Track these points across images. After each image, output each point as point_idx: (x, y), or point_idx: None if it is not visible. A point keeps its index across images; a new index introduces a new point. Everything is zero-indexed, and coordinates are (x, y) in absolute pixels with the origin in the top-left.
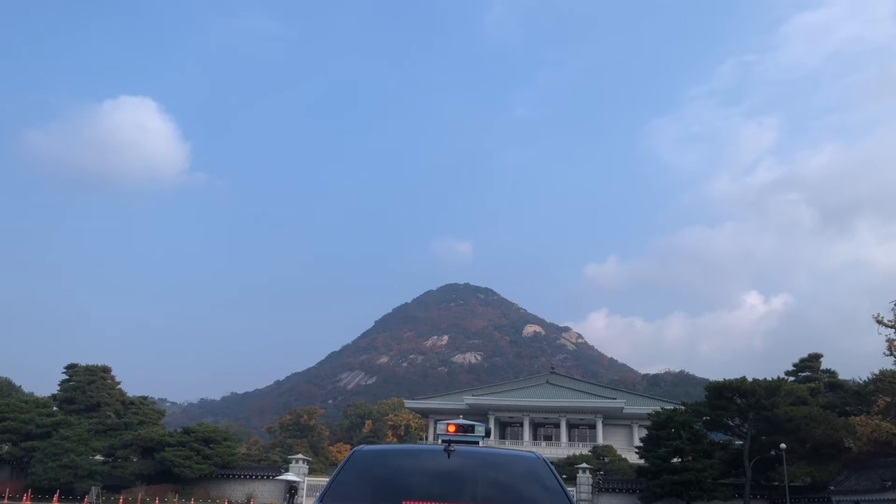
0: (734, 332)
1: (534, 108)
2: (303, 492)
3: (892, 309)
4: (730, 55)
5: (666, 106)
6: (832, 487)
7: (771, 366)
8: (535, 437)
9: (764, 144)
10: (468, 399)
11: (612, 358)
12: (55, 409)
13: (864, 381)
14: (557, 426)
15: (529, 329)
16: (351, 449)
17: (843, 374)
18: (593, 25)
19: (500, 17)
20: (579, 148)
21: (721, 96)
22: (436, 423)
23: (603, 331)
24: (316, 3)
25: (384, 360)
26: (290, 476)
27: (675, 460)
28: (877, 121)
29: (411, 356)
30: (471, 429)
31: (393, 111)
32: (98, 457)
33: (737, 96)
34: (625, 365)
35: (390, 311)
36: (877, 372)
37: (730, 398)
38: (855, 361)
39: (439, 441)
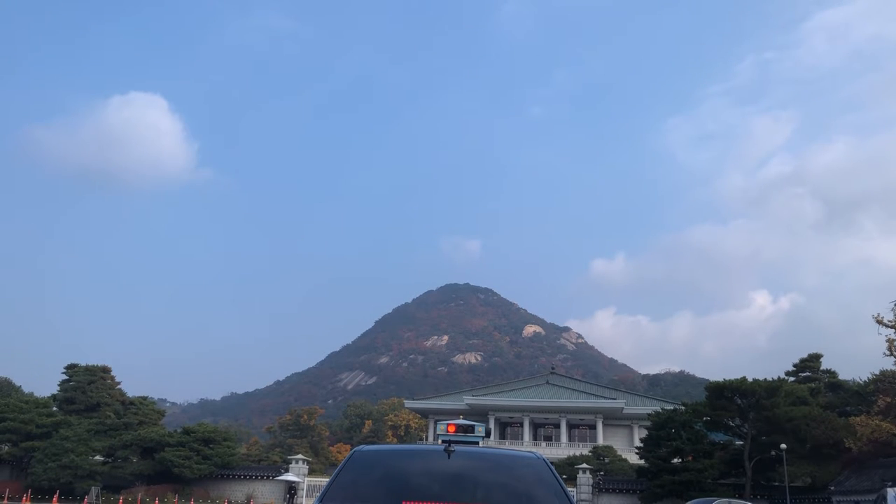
0: (738, 332)
1: (548, 105)
2: (303, 492)
3: (893, 309)
4: (750, 52)
5: (682, 104)
6: (832, 487)
7: (775, 365)
8: (535, 438)
9: (778, 143)
10: (468, 399)
11: (612, 358)
12: (55, 409)
13: (864, 381)
14: (557, 426)
15: (529, 329)
16: (351, 449)
17: (844, 374)
18: (611, 22)
19: (515, 14)
20: (592, 146)
21: (738, 94)
22: (436, 423)
23: (609, 329)
24: (330, 1)
25: (384, 360)
26: (289, 476)
27: (675, 460)
28: (891, 119)
29: (411, 356)
30: (471, 429)
31: (405, 109)
32: (98, 457)
33: (754, 94)
34: (625, 365)
35: (390, 311)
36: (877, 372)
37: (730, 398)
38: (856, 361)
39: (439, 441)
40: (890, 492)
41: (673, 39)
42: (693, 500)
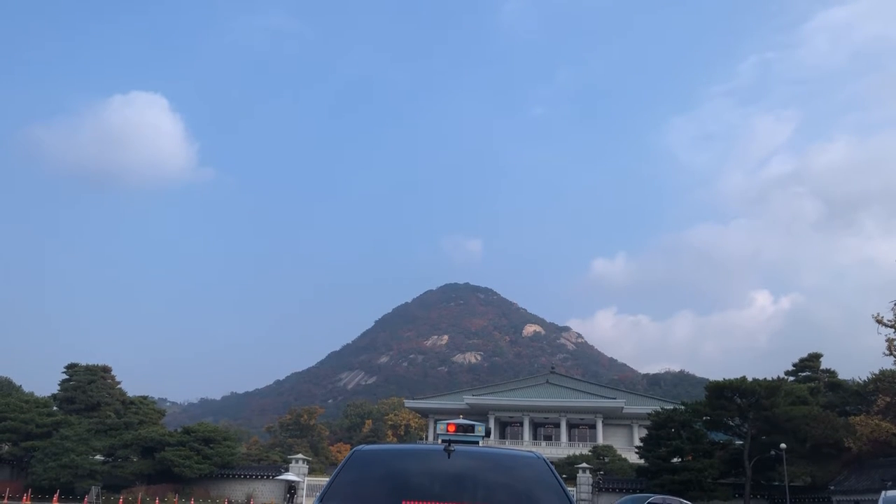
0: (738, 332)
1: (549, 105)
2: (303, 492)
3: (893, 309)
4: (752, 52)
5: (684, 104)
6: (832, 487)
7: (775, 365)
8: (535, 437)
9: (779, 143)
10: (468, 399)
11: (612, 358)
12: (55, 408)
13: (864, 381)
14: (557, 426)
15: (529, 329)
16: (351, 449)
17: (844, 374)
18: (613, 22)
19: (516, 13)
20: (593, 146)
21: (740, 94)
22: (436, 422)
23: (609, 329)
24: (331, 1)
25: (384, 359)
26: (290, 476)
27: (675, 460)
28: (892, 119)
29: (411, 356)
30: (471, 429)
31: (405, 109)
32: (98, 457)
33: (756, 94)
34: (625, 364)
35: (390, 310)
36: (877, 372)
37: (730, 398)
38: (855, 361)
39: (439, 441)
40: (883, 494)
41: (674, 39)
42: (627, 496)
